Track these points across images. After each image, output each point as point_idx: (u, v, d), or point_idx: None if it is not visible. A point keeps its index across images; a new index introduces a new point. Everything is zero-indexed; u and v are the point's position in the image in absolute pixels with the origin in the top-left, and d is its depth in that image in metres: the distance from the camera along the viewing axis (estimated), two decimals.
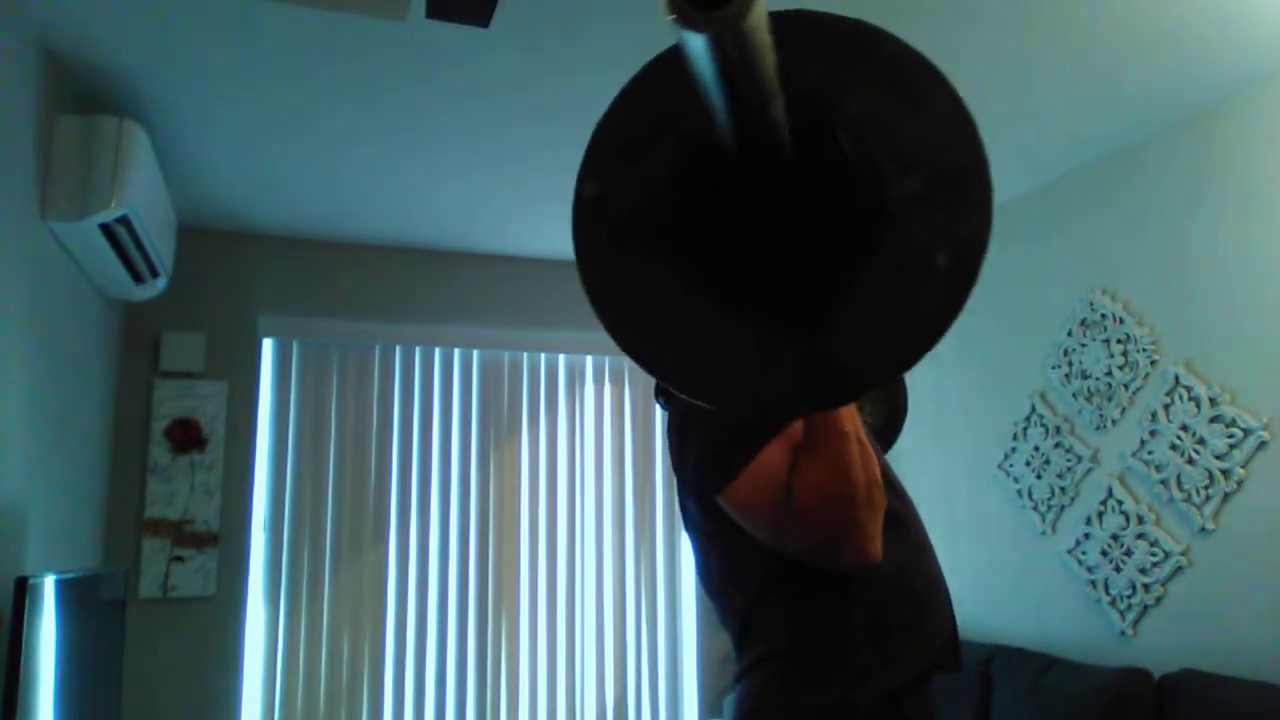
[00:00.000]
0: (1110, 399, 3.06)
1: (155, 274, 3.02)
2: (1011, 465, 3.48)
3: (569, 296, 4.30)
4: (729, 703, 1.45)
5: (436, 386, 4.03)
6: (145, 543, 3.50)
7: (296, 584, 3.71)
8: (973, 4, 2.24)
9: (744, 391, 0.72)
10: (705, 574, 1.44)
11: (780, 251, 0.71)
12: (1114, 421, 3.04)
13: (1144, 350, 2.95)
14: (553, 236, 3.95)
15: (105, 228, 2.54)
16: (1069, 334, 3.24)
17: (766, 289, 0.72)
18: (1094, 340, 3.14)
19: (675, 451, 1.37)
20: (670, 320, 0.73)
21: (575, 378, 4.25)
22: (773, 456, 1.24)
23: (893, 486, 1.40)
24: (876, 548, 1.17)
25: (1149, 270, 2.98)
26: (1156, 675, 2.64)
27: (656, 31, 2.50)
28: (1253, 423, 2.58)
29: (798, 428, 1.24)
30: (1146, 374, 2.94)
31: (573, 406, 4.22)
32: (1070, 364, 3.24)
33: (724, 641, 3.91)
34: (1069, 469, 3.20)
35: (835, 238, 0.70)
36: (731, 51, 0.53)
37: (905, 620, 1.30)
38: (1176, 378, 2.82)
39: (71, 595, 2.21)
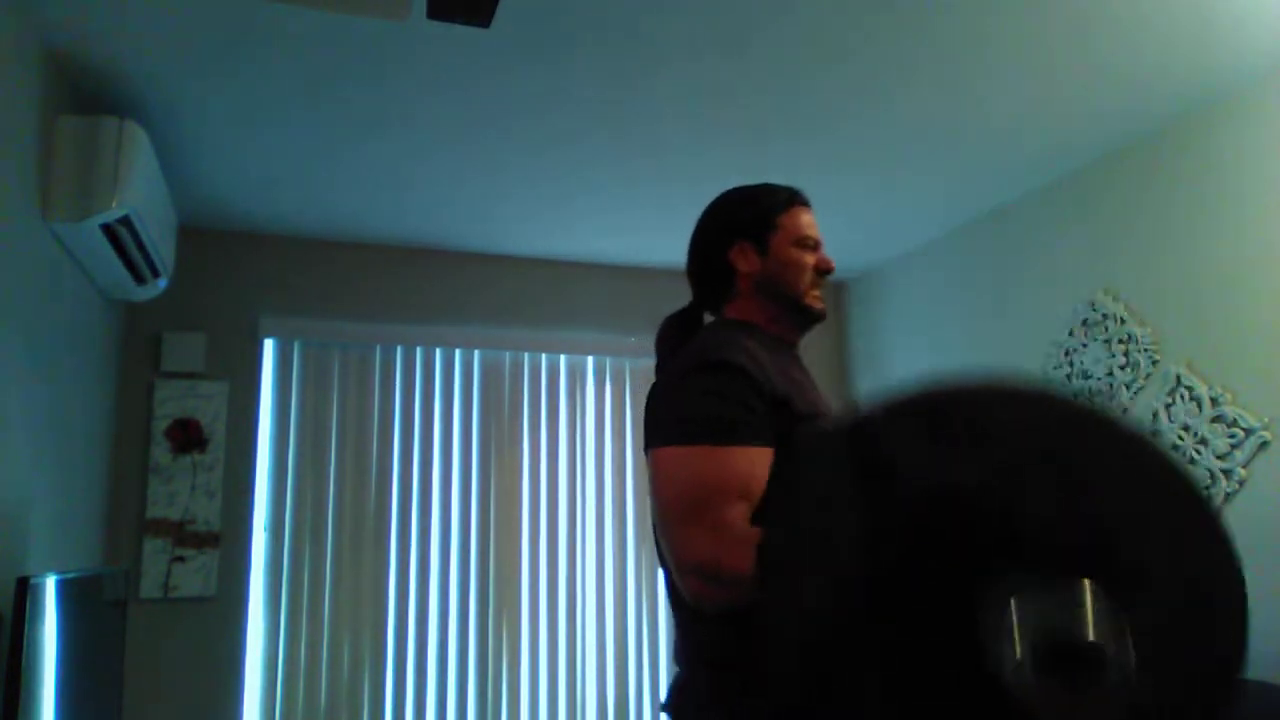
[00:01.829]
0: (1112, 399, 3.06)
1: (156, 274, 3.02)
2: None
3: (570, 297, 4.30)
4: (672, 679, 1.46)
5: (438, 387, 4.03)
6: (146, 543, 3.50)
7: (298, 584, 3.71)
8: (977, 6, 2.24)
9: None
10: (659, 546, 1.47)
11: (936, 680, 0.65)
12: None
13: (1145, 350, 2.94)
14: (554, 237, 3.95)
15: (106, 228, 2.54)
16: (1070, 334, 3.24)
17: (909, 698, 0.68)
18: (1095, 340, 3.14)
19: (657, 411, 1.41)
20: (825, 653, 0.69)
21: (576, 378, 4.25)
22: (732, 471, 1.27)
23: None
24: (712, 606, 1.25)
25: (1150, 270, 2.97)
26: None
27: (657, 31, 2.52)
28: (1254, 423, 2.58)
29: (759, 487, 1.27)
30: (1148, 374, 2.93)
31: (574, 407, 4.22)
32: (1072, 364, 3.23)
33: None
34: None
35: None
36: None
37: None
38: (1178, 377, 2.81)
39: (73, 595, 2.21)
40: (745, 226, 1.56)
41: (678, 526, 1.27)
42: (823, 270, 1.57)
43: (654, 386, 1.46)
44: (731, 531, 1.22)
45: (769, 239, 1.55)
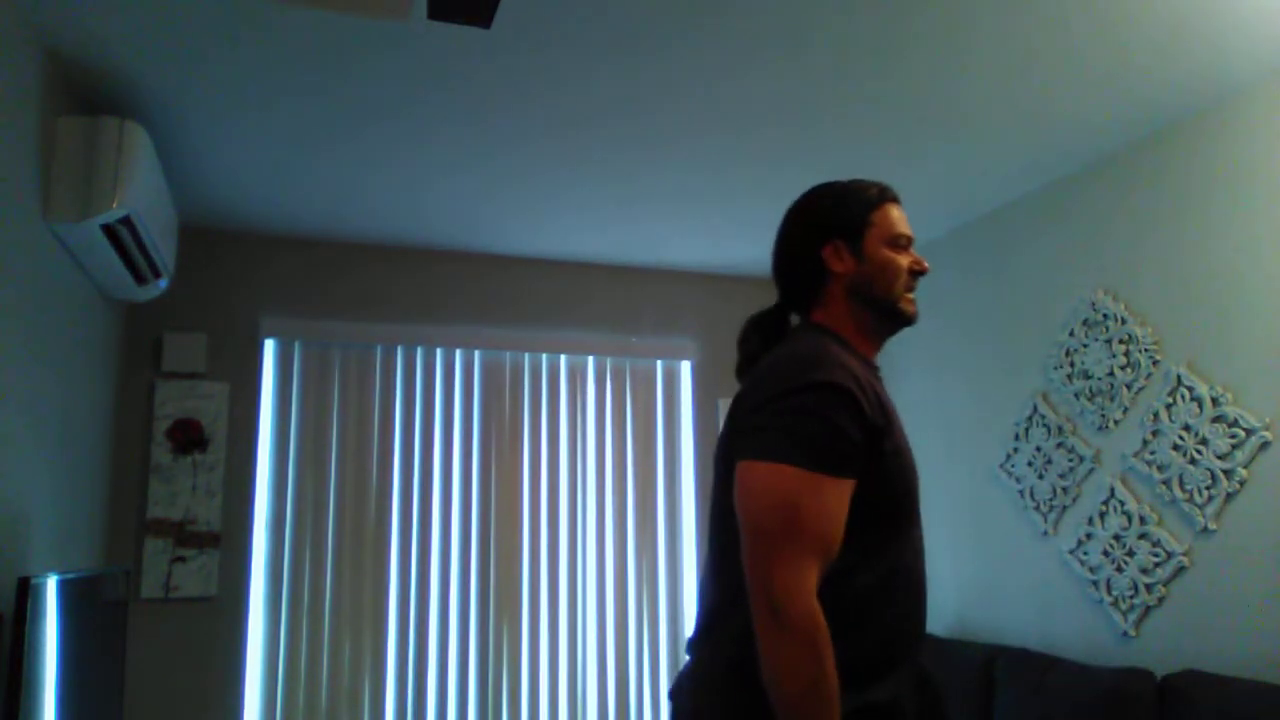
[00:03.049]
0: (1112, 399, 3.06)
1: (157, 274, 3.02)
2: (1013, 465, 3.48)
3: (570, 296, 4.30)
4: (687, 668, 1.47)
5: (438, 387, 4.03)
6: (147, 543, 3.51)
7: (298, 584, 3.71)
8: (975, 6, 2.24)
9: None
10: (718, 536, 1.44)
11: None
12: (1116, 422, 3.04)
13: (1146, 350, 2.94)
14: (554, 237, 3.96)
15: (107, 228, 2.54)
16: (1071, 334, 3.24)
17: None
18: (1096, 340, 3.14)
19: (757, 412, 1.34)
20: None
21: (576, 378, 4.25)
22: (823, 505, 1.26)
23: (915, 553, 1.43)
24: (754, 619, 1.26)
25: (1151, 270, 2.97)
26: (1159, 676, 2.64)
27: (657, 31, 2.52)
28: (1255, 423, 2.58)
29: (839, 530, 1.27)
30: (1148, 374, 2.93)
31: (574, 406, 4.23)
32: (1072, 364, 3.23)
33: None
34: (1071, 469, 3.20)
35: None
36: None
37: (881, 665, 1.33)
38: (1179, 378, 2.81)
39: (73, 595, 2.22)
40: (838, 224, 1.49)
41: (762, 542, 1.25)
42: (917, 271, 1.51)
43: (746, 393, 1.39)
44: (805, 584, 1.22)
45: (866, 240, 1.48)
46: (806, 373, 1.33)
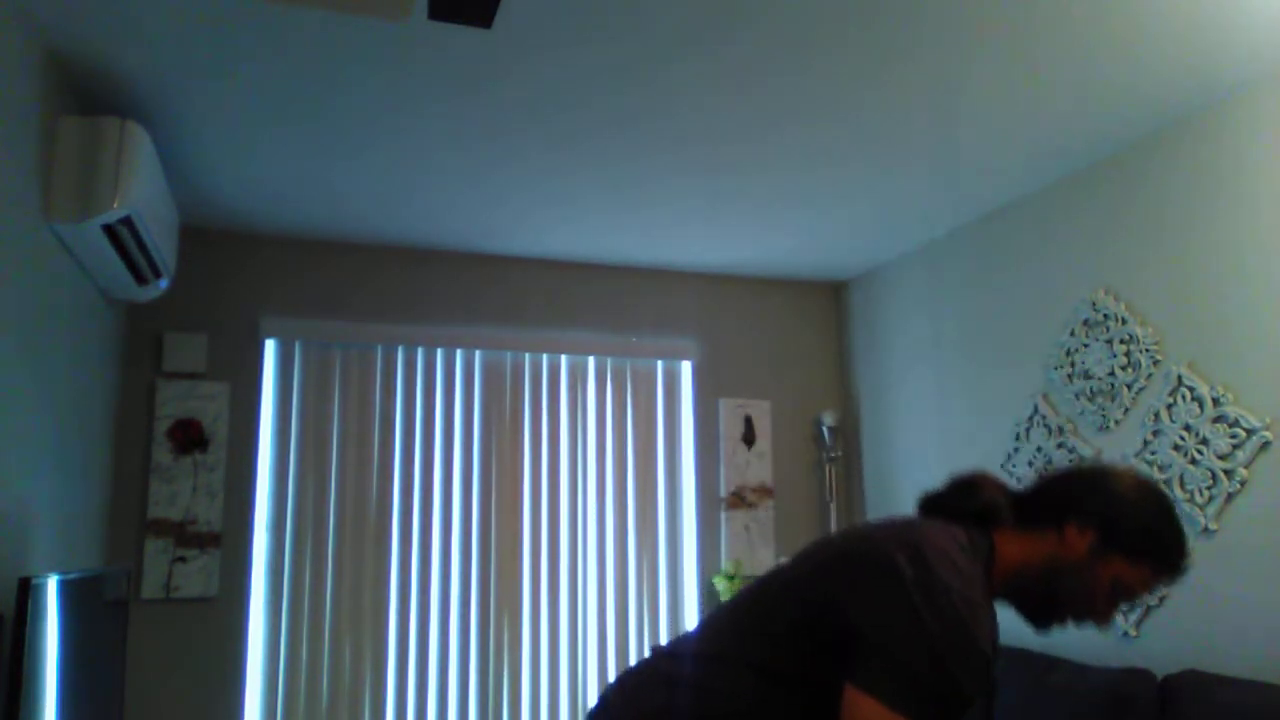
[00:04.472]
0: (1113, 399, 3.06)
1: (158, 275, 3.02)
2: (1014, 465, 3.48)
3: (571, 297, 4.30)
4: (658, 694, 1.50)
5: (438, 387, 4.03)
6: (148, 543, 3.51)
7: (299, 584, 3.71)
8: (974, 5, 2.24)
9: None
10: (759, 618, 1.42)
11: None
12: (1117, 422, 3.04)
13: (1147, 350, 2.94)
14: (555, 237, 3.96)
15: (108, 228, 2.54)
16: (1071, 334, 3.24)
17: None
18: (1096, 340, 3.14)
19: (910, 621, 1.27)
20: None
21: (577, 378, 4.25)
22: None
23: None
24: None
25: (1152, 270, 2.97)
26: (1159, 676, 2.63)
27: (658, 32, 2.51)
28: (1256, 423, 2.58)
29: None
30: (1149, 374, 2.93)
31: (574, 406, 4.23)
32: (1073, 364, 3.23)
33: None
34: None
35: None
36: None
37: None
38: (1179, 378, 2.81)
39: (74, 596, 2.22)
40: (1117, 532, 1.40)
41: None
42: (1090, 619, 1.44)
43: (894, 559, 1.31)
44: None
45: (1111, 559, 1.40)
46: (966, 623, 1.26)
